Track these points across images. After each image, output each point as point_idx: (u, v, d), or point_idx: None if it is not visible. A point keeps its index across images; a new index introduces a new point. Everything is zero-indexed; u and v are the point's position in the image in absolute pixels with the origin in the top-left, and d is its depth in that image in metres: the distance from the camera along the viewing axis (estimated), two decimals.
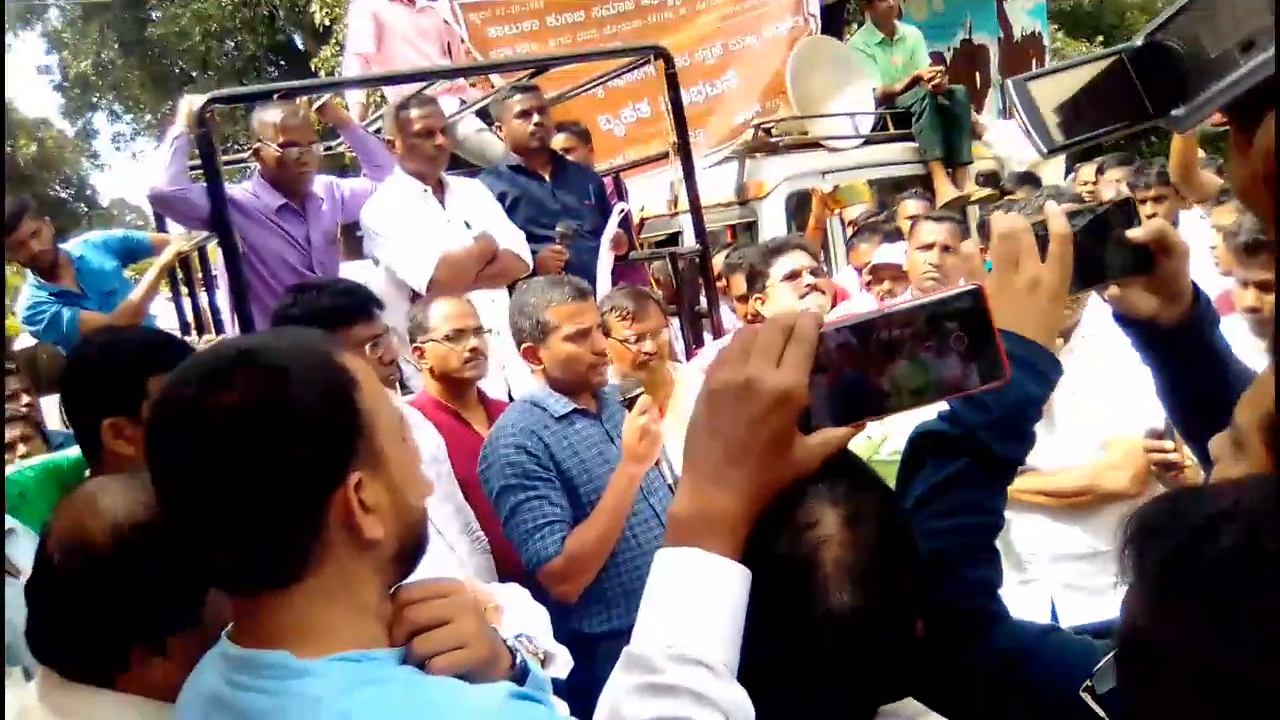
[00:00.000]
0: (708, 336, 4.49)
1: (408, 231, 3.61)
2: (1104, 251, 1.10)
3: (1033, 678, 0.99)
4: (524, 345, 2.58)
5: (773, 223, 5.43)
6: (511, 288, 3.73)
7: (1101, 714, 0.78)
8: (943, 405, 1.03)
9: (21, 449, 2.56)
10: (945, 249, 3.24)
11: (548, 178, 4.19)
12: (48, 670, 1.23)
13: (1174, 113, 0.80)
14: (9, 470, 2.19)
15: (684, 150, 4.29)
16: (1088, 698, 0.78)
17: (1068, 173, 5.96)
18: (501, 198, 4.02)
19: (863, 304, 4.24)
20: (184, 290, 5.45)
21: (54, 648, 1.22)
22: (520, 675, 1.14)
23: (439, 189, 3.78)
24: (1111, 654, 0.77)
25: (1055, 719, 0.96)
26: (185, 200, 3.55)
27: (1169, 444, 2.33)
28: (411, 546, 1.06)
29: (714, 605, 0.83)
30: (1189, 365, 1.15)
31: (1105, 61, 0.87)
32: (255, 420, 0.94)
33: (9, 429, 2.62)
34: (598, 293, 3.35)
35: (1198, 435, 1.16)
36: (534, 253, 3.86)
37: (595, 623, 2.45)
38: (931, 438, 1.04)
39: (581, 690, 1.63)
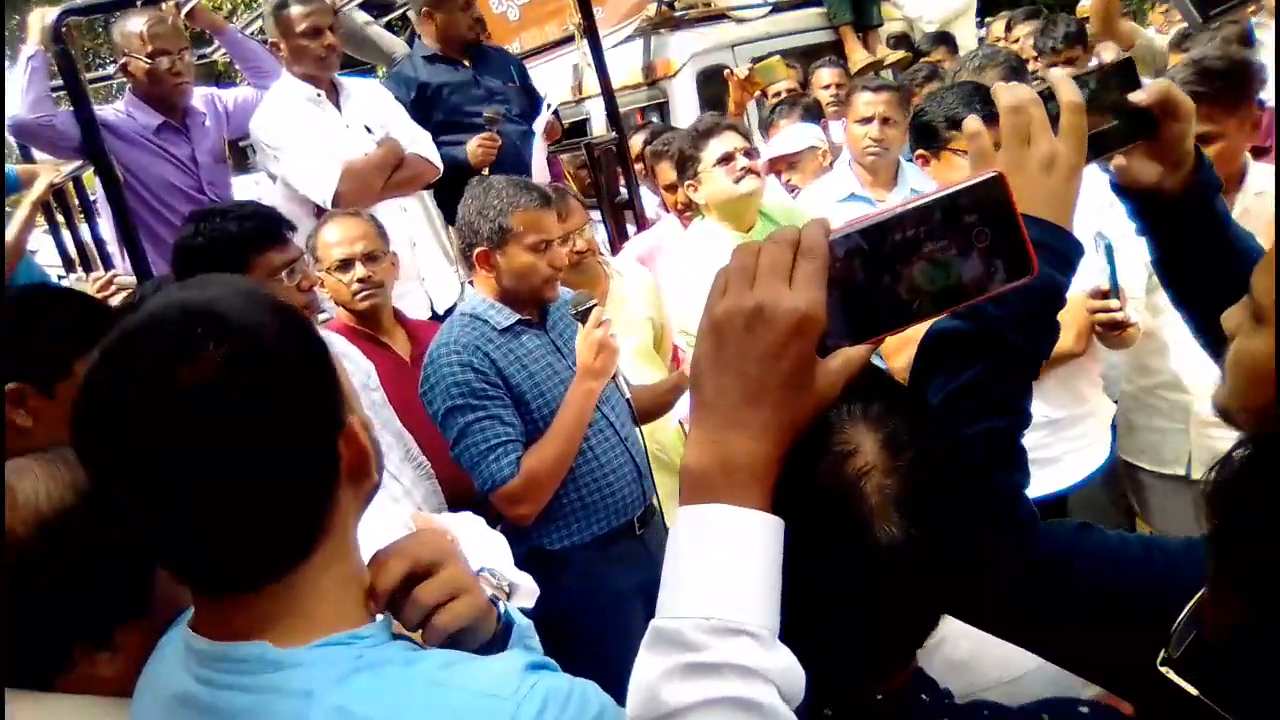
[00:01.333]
0: (630, 228, 4.36)
1: (305, 142, 3.36)
2: (1107, 118, 1.02)
3: (1072, 580, 0.95)
4: (477, 250, 2.38)
5: (684, 102, 5.24)
6: (443, 194, 3.53)
7: (1189, 688, 0.72)
8: None
9: None
10: (885, 121, 3.10)
11: (467, 63, 3.93)
12: None
13: None
14: None
15: (590, 31, 4.07)
16: (1168, 671, 0.73)
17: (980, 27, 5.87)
18: (422, 89, 3.79)
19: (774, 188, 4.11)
20: (62, 223, 5.04)
21: None
22: (505, 629, 1.06)
23: (332, 92, 3.51)
24: (1184, 622, 0.71)
25: (1096, 619, 0.93)
26: (51, 127, 3.28)
27: (1114, 303, 2.32)
28: (376, 487, 0.96)
29: (749, 565, 0.73)
30: (1191, 234, 1.09)
31: None
32: (253, 388, 0.81)
33: None
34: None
35: (1201, 307, 1.11)
36: (462, 143, 3.65)
37: (554, 539, 2.39)
38: (949, 337, 0.96)
39: (542, 607, 1.55)
